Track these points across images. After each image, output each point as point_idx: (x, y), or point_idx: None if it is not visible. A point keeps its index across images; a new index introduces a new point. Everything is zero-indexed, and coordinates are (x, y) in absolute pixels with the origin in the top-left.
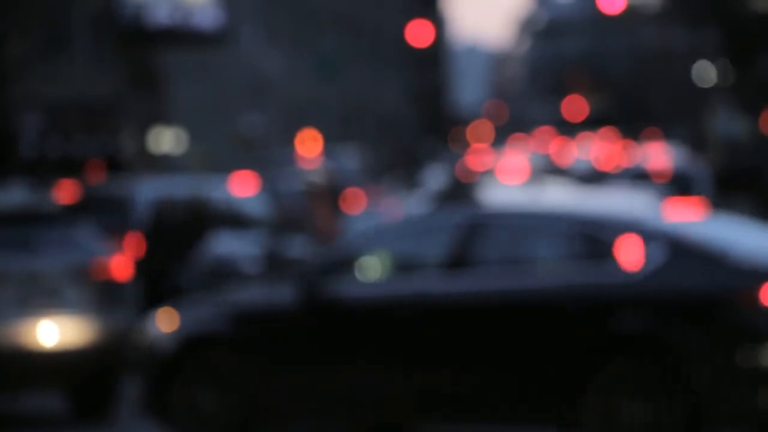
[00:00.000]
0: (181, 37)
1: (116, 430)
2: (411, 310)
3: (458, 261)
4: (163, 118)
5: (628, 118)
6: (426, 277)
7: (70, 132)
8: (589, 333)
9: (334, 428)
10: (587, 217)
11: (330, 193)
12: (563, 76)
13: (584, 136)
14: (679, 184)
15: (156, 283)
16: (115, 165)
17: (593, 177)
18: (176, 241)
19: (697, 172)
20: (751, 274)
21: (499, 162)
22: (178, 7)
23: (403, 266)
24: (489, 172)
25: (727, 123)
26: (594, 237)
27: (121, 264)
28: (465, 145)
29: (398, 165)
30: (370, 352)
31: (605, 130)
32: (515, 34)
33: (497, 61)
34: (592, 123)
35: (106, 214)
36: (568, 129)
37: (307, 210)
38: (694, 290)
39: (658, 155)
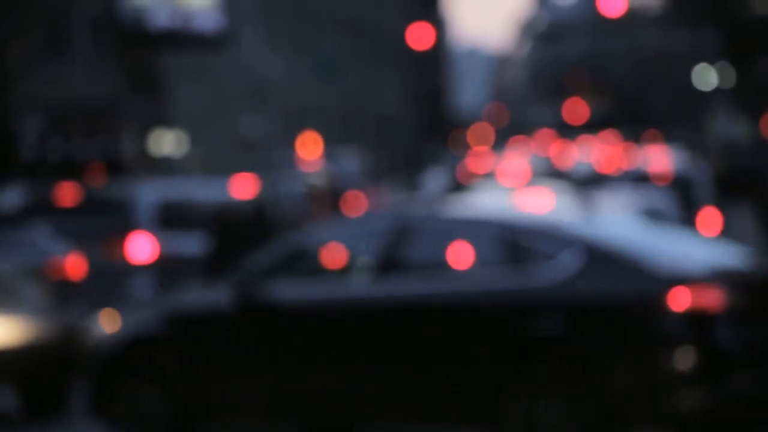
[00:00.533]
0: (181, 39)
1: (68, 428)
2: (341, 313)
3: (388, 264)
4: (164, 120)
5: (629, 120)
6: (357, 281)
7: (71, 134)
8: (509, 336)
9: (274, 428)
10: (508, 223)
11: (330, 196)
12: (564, 78)
13: (585, 138)
14: (679, 187)
15: None
16: (115, 167)
17: (594, 180)
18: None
19: (697, 174)
20: (661, 280)
21: (500, 165)
22: (178, 9)
23: (335, 269)
24: (489, 175)
25: (727, 125)
26: (514, 242)
27: (75, 264)
28: (465, 147)
29: (399, 167)
30: (304, 354)
31: (606, 133)
32: (516, 37)
33: (498, 63)
34: (593, 126)
35: (107, 216)
36: (568, 131)
37: (308, 212)
38: (608, 295)
39: (659, 158)
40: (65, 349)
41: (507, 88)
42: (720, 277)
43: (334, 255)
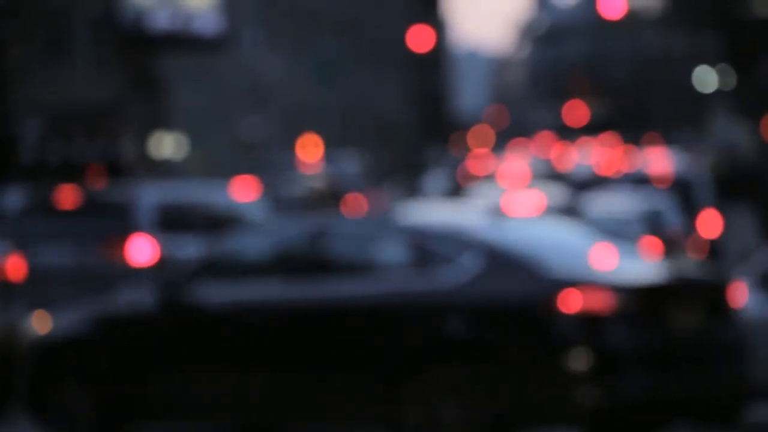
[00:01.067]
0: (181, 41)
1: (10, 428)
2: (259, 314)
3: (303, 268)
4: (164, 122)
5: (629, 122)
6: (274, 283)
7: (71, 136)
8: (414, 337)
9: (201, 427)
10: (414, 227)
11: (331, 198)
12: (564, 80)
13: (585, 140)
14: (679, 189)
15: None
16: (115, 169)
17: (594, 182)
18: None
19: (697, 176)
20: (553, 283)
21: (500, 167)
22: (178, 11)
23: (257, 272)
24: (490, 177)
25: (727, 127)
26: (420, 246)
27: (15, 265)
28: (466, 149)
29: (399, 170)
30: (226, 355)
31: (606, 135)
32: (516, 39)
33: (498, 65)
34: (593, 128)
35: (107, 218)
36: (568, 134)
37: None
38: (506, 297)
39: (659, 160)
40: (5, 348)
41: (507, 90)
42: (612, 280)
43: (254, 258)
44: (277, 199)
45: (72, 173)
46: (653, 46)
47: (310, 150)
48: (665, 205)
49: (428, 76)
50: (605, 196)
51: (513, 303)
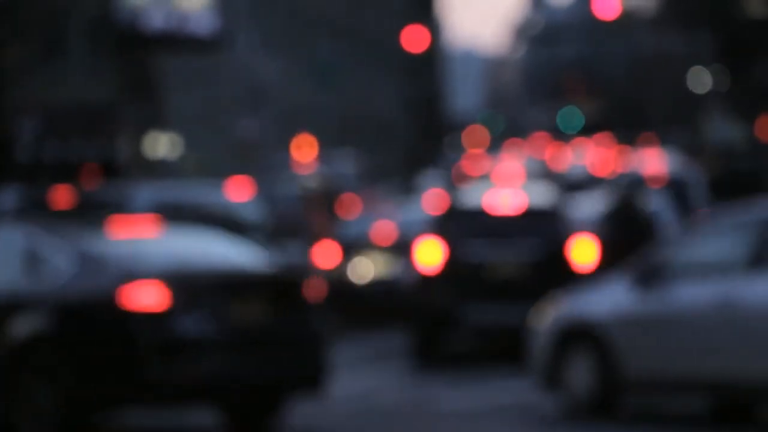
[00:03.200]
0: (177, 42)
1: None
2: None
3: None
4: (159, 123)
5: (624, 123)
6: None
7: (67, 137)
8: (17, 329)
9: None
10: (27, 231)
11: (326, 199)
12: (559, 81)
13: (580, 141)
14: (674, 189)
15: None
16: (110, 170)
17: (588, 182)
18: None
19: (692, 177)
20: (119, 280)
21: (495, 167)
22: (173, 12)
23: None
24: (485, 177)
25: (722, 128)
26: (30, 249)
27: None
28: (461, 150)
29: (395, 170)
30: None
31: (601, 136)
32: (511, 39)
33: (493, 65)
34: (588, 128)
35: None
36: (563, 134)
37: (303, 215)
38: (87, 295)
39: (654, 160)
40: None
41: (502, 91)
42: (172, 275)
43: None
44: (271, 199)
45: (67, 173)
46: (648, 47)
47: (305, 150)
48: (660, 206)
49: (423, 76)
50: (599, 196)
51: (90, 300)
